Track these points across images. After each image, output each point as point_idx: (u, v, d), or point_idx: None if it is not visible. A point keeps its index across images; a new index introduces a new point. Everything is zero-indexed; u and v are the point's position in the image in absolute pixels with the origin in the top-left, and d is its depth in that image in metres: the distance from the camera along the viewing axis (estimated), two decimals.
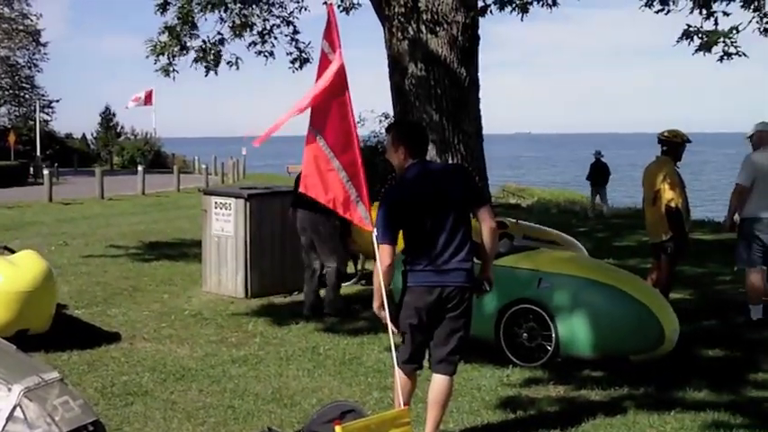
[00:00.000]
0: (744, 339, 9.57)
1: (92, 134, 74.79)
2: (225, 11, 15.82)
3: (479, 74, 13.16)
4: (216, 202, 12.23)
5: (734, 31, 11.18)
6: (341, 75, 6.04)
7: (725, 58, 11.53)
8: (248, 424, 6.89)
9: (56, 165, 47.48)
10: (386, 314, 6.00)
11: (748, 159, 10.38)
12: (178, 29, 15.27)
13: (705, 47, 11.38)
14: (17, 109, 66.76)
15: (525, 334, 8.59)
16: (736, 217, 10.52)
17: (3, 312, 8.81)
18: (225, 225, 12.08)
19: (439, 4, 12.41)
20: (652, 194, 10.45)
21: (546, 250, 10.04)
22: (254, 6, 16.38)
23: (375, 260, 5.98)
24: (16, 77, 65.51)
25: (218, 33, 16.04)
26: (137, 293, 12.36)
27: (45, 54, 66.25)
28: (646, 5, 13.01)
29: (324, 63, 6.18)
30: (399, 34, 12.74)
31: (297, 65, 17.39)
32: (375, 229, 5.93)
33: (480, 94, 13.23)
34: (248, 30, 16.50)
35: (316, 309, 10.98)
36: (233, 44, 16.32)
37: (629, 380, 7.90)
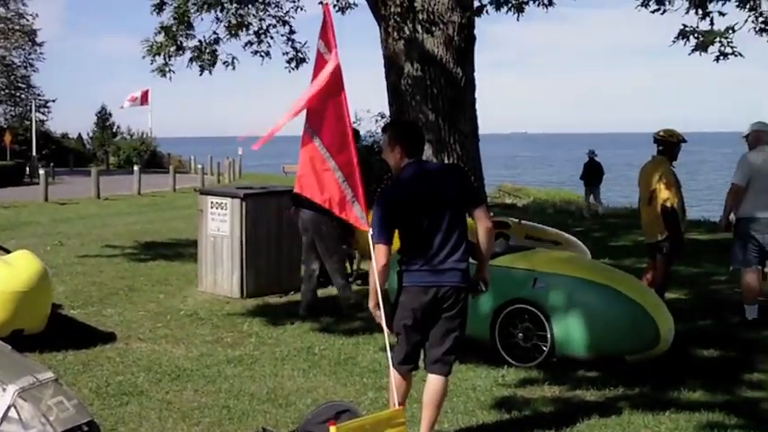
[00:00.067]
0: (739, 339, 9.58)
1: (88, 134, 74.79)
2: (221, 11, 15.82)
3: (475, 74, 13.18)
4: (212, 202, 12.22)
5: (730, 31, 11.19)
6: (337, 75, 6.04)
7: (721, 58, 11.54)
8: (243, 424, 6.89)
9: (52, 165, 47.46)
10: (381, 314, 6.00)
11: (744, 159, 10.39)
12: (174, 29, 15.26)
13: (701, 47, 11.39)
14: (13, 109, 66.78)
15: (520, 334, 8.59)
16: (732, 217, 10.53)
17: None
18: (221, 225, 12.07)
19: (435, 4, 12.43)
20: (648, 194, 10.46)
21: (541, 250, 10.04)
22: (249, 6, 16.37)
23: (371, 260, 5.98)
24: (12, 77, 65.49)
25: (214, 33, 16.04)
26: (132, 293, 12.35)
27: (41, 54, 66.41)
28: (642, 5, 13.02)
29: (320, 63, 6.18)
30: (395, 34, 12.75)
31: (293, 65, 17.40)
32: (371, 229, 5.93)
33: (476, 94, 13.25)
34: (244, 30, 16.50)
35: (312, 308, 10.98)
36: (229, 44, 16.33)
37: (624, 380, 7.90)
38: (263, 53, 17.23)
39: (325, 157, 6.11)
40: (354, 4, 17.59)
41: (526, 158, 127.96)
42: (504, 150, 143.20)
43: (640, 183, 10.69)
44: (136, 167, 37.75)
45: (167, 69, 15.50)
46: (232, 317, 10.79)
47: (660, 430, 6.74)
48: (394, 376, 6.06)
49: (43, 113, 67.91)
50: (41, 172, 32.01)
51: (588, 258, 12.45)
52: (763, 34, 13.13)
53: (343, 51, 6.18)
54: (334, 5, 17.44)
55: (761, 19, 12.88)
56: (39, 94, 67.16)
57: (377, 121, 26.73)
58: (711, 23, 11.87)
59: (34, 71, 66.86)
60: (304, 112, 6.15)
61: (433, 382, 6.05)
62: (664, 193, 10.26)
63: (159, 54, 15.26)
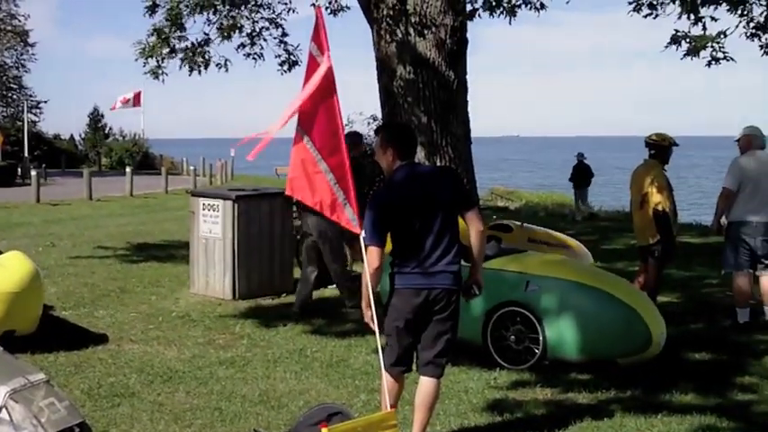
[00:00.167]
0: (730, 342, 9.60)
1: (80, 135, 74.55)
2: (214, 13, 15.83)
3: (467, 76, 13.19)
4: (204, 204, 12.21)
5: (721, 36, 11.23)
6: (329, 77, 6.04)
7: (713, 62, 11.58)
8: (235, 426, 6.89)
9: (43, 165, 47.36)
10: (371, 313, 5.99)
11: (735, 163, 10.42)
12: (166, 30, 15.26)
13: (693, 52, 11.43)
14: (5, 110, 66.67)
15: (513, 337, 8.60)
16: (723, 220, 10.56)
17: None
18: (213, 227, 12.06)
19: (427, 7, 12.44)
20: (640, 198, 10.47)
21: (533, 253, 10.05)
22: (242, 8, 16.38)
23: (363, 262, 5.98)
24: (4, 78, 65.38)
25: (205, 34, 16.05)
26: (124, 295, 12.33)
27: (33, 55, 66.28)
28: (634, 10, 13.06)
29: (312, 65, 6.17)
30: (388, 37, 12.76)
31: (285, 67, 17.42)
32: (363, 231, 5.93)
33: (468, 97, 13.27)
34: (237, 31, 16.51)
35: (305, 307, 10.99)
36: (222, 46, 16.34)
37: (616, 383, 7.91)
38: (255, 55, 17.25)
39: (317, 159, 6.10)
40: (347, 6, 17.63)
41: (518, 161, 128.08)
42: (497, 153, 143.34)
43: (632, 186, 10.70)
44: (128, 169, 37.70)
45: (160, 72, 15.50)
46: (224, 319, 10.78)
47: None
48: (386, 378, 6.06)
49: (35, 114, 67.85)
50: (33, 173, 31.94)
51: (589, 261, 12.51)
52: (755, 39, 13.17)
53: (336, 54, 6.18)
54: (327, 8, 17.48)
55: (752, 24, 12.92)
56: (31, 95, 67.10)
57: (369, 123, 26.84)
58: (704, 29, 11.91)
59: (26, 72, 66.87)
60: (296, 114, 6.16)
61: (425, 384, 6.05)
62: (655, 197, 10.28)
63: (152, 56, 15.26)
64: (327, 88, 6.05)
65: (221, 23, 16.11)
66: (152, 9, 15.48)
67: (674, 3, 12.15)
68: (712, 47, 11.29)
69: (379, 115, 14.24)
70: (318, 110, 6.08)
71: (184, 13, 15.28)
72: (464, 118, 13.06)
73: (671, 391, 7.68)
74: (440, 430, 6.80)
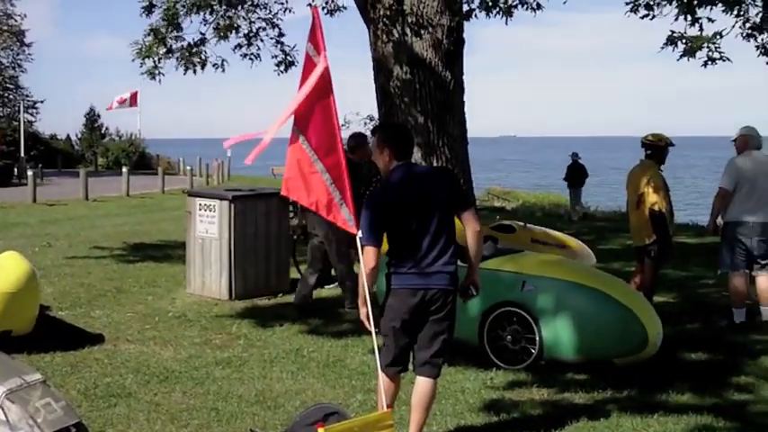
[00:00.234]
0: (727, 343, 9.61)
1: (76, 135, 74.53)
2: (210, 13, 15.82)
3: (464, 77, 13.19)
4: (200, 204, 12.20)
5: (717, 37, 11.24)
6: (325, 77, 6.04)
7: (709, 63, 11.59)
8: (232, 426, 6.89)
9: (40, 166, 47.29)
10: (367, 312, 5.99)
11: (732, 163, 10.43)
12: (163, 30, 15.26)
13: (689, 52, 11.44)
14: (1, 110, 66.63)
15: (509, 337, 8.60)
16: (720, 221, 10.56)
17: None
18: (209, 227, 12.06)
19: (424, 8, 12.44)
20: (636, 198, 10.49)
21: (529, 253, 10.05)
22: (238, 8, 16.38)
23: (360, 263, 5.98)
24: (0, 78, 65.26)
25: (201, 34, 16.04)
26: (120, 295, 12.32)
27: (29, 54, 66.16)
28: (631, 11, 13.06)
29: (308, 66, 6.17)
30: (384, 37, 12.76)
31: (282, 68, 17.41)
32: (359, 232, 5.93)
33: (465, 97, 13.27)
34: (234, 32, 16.51)
35: (305, 303, 11.07)
36: (218, 46, 16.34)
37: (612, 383, 7.92)
38: (252, 56, 17.24)
39: (313, 159, 6.10)
40: (343, 6, 17.64)
41: (515, 162, 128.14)
42: (493, 153, 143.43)
43: (629, 186, 10.72)
44: (124, 169, 37.66)
45: (157, 72, 15.49)
46: (220, 319, 10.78)
47: None
48: (382, 379, 6.06)
49: (32, 114, 67.71)
50: (30, 173, 31.90)
51: (592, 262, 12.52)
52: (751, 39, 13.19)
53: (332, 54, 6.18)
54: (323, 8, 17.48)
55: (748, 24, 12.93)
56: (27, 95, 66.98)
57: (366, 123, 26.76)
58: (701, 29, 11.92)
59: (22, 72, 66.76)
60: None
61: (422, 384, 6.05)
62: (652, 197, 10.29)
63: (149, 57, 15.25)
64: (324, 88, 6.04)
65: (218, 23, 16.11)
66: (149, 9, 15.47)
67: (670, 4, 12.16)
68: (708, 47, 11.30)
69: (376, 115, 14.24)
70: (315, 110, 6.08)
71: (181, 12, 15.27)
72: (461, 118, 13.06)
73: (667, 391, 7.69)
74: (436, 430, 6.80)
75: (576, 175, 28.31)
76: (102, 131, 73.24)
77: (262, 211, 12.21)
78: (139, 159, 64.90)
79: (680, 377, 8.13)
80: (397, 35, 12.61)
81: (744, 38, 13.17)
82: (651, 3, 12.76)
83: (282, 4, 17.42)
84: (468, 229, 6.01)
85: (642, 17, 12.88)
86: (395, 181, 6.01)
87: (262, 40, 17.24)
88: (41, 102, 69.38)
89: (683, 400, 7.54)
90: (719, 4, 11.89)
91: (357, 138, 11.29)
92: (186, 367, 8.57)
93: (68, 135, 74.94)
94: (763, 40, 13.19)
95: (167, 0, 15.17)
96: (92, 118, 73.64)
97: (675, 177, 42.02)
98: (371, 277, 5.91)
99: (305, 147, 6.10)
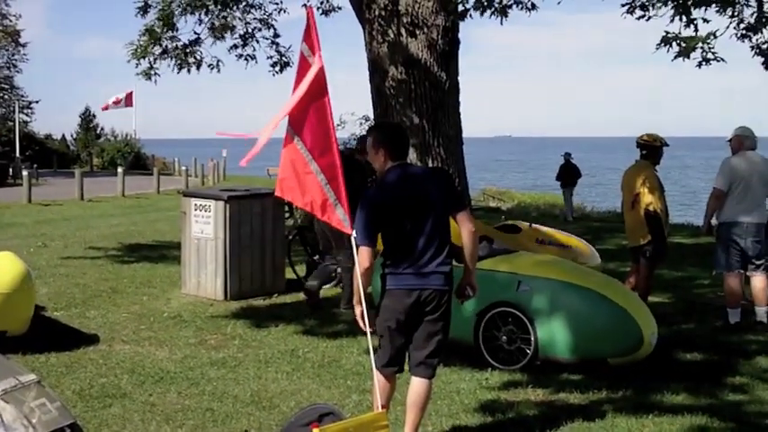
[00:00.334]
0: (722, 343, 9.61)
1: (71, 135, 74.41)
2: (205, 13, 15.83)
3: (459, 77, 13.21)
4: (195, 204, 12.19)
5: (711, 37, 11.24)
6: (320, 77, 6.04)
7: (703, 63, 11.59)
8: (227, 426, 6.88)
9: (35, 166, 47.25)
10: (362, 311, 5.99)
11: (726, 163, 10.44)
12: (158, 30, 15.26)
13: (684, 53, 11.42)
14: None
15: (504, 337, 8.61)
16: (714, 221, 10.58)
17: None
18: (204, 227, 12.05)
19: (419, 8, 12.46)
20: (631, 198, 10.49)
21: (524, 253, 10.06)
22: (233, 8, 16.39)
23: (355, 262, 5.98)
24: None
25: (195, 33, 16.05)
26: (116, 295, 12.31)
27: (24, 55, 66.06)
28: (627, 12, 13.06)
29: (303, 66, 6.17)
30: (380, 37, 12.78)
31: (277, 68, 17.43)
32: (354, 232, 5.94)
33: (460, 98, 13.28)
34: (229, 32, 16.52)
35: (316, 292, 11.29)
36: (214, 47, 16.36)
37: (607, 383, 7.92)
38: (248, 57, 17.26)
39: (308, 159, 6.09)
40: (338, 7, 17.66)
41: (511, 162, 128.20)
42: (489, 153, 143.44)
43: (624, 187, 10.73)
44: (120, 169, 37.64)
45: (152, 72, 15.50)
46: (216, 319, 10.77)
47: None
48: (378, 379, 6.07)
49: (27, 114, 67.73)
50: (25, 173, 31.86)
51: (597, 262, 12.54)
52: (745, 40, 13.18)
53: (327, 54, 6.18)
54: (318, 8, 17.51)
55: (742, 25, 12.93)
56: (22, 95, 66.94)
57: (361, 124, 26.83)
58: (696, 30, 11.91)
59: (18, 72, 66.71)
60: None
61: (417, 384, 6.06)
62: (647, 198, 10.30)
63: (144, 57, 15.25)
64: (319, 88, 6.04)
65: (212, 23, 16.11)
66: (144, 10, 15.48)
67: (665, 5, 12.16)
68: (702, 48, 11.29)
69: (371, 115, 14.25)
70: (309, 110, 6.08)
71: (176, 12, 15.27)
72: (456, 118, 13.09)
73: (662, 392, 7.70)
74: (431, 431, 6.80)
75: (568, 174, 28.35)
76: (98, 131, 73.14)
77: (257, 211, 12.20)
78: (135, 159, 64.78)
79: (675, 377, 8.14)
80: (392, 35, 12.64)
81: (738, 38, 13.16)
82: (647, 3, 12.76)
83: (277, 4, 17.45)
84: (464, 229, 6.00)
85: (638, 18, 12.88)
86: (390, 181, 6.01)
87: (257, 41, 17.25)
88: (36, 102, 69.47)
89: (678, 400, 7.55)
90: (714, 5, 11.89)
91: (363, 141, 11.37)
92: (181, 368, 8.57)
93: (63, 135, 74.92)
94: (757, 40, 13.18)
95: (162, 0, 15.17)
96: (87, 118, 73.54)
97: (670, 178, 42.04)
98: (366, 277, 5.91)
99: (299, 147, 6.10)
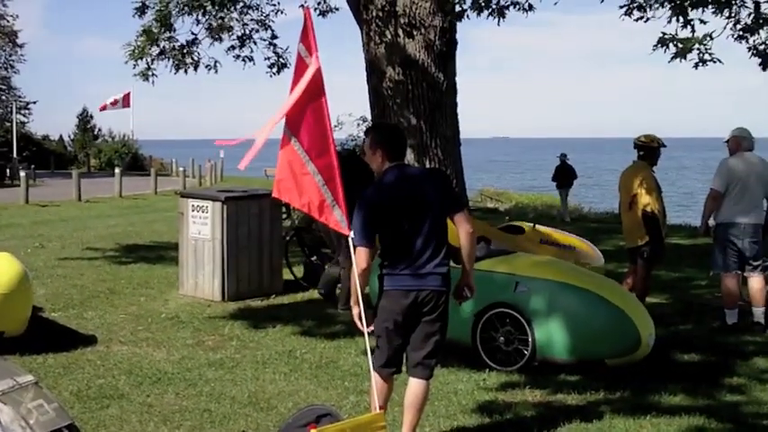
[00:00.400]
0: (719, 344, 9.62)
1: (69, 136, 74.37)
2: (203, 14, 15.83)
3: (457, 78, 13.21)
4: (193, 205, 12.18)
5: (708, 38, 11.24)
6: (317, 78, 6.04)
7: (700, 64, 11.60)
8: (224, 427, 6.88)
9: (32, 166, 47.23)
10: (360, 311, 5.99)
11: (724, 164, 10.44)
12: (155, 30, 15.26)
13: (680, 54, 11.43)
14: None
15: (502, 338, 8.61)
16: (711, 222, 10.58)
17: None
18: (202, 228, 12.04)
19: (416, 9, 12.46)
20: (629, 199, 10.50)
21: (522, 254, 10.06)
22: (231, 9, 16.39)
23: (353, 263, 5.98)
24: None
25: (192, 34, 16.05)
26: (113, 296, 12.30)
27: (22, 55, 66.02)
28: (625, 14, 13.07)
29: (300, 67, 6.17)
30: (377, 38, 12.78)
31: (275, 70, 17.43)
32: (351, 232, 5.94)
33: (458, 99, 13.28)
34: (227, 33, 16.53)
35: (330, 291, 11.54)
36: (212, 48, 16.36)
37: (605, 384, 7.93)
38: (245, 58, 17.26)
39: (305, 160, 6.09)
40: (336, 7, 17.66)
41: (508, 163, 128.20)
42: (486, 154, 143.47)
43: (621, 188, 10.74)
44: (117, 170, 37.59)
45: (150, 73, 15.49)
46: (213, 320, 10.76)
47: None
48: (375, 380, 6.06)
49: (24, 115, 67.68)
50: (22, 174, 31.85)
51: (601, 263, 12.54)
52: (742, 41, 13.20)
53: (324, 55, 6.18)
54: (315, 9, 17.51)
55: (739, 26, 12.94)
56: (19, 96, 66.93)
57: (358, 124, 26.82)
58: (693, 31, 11.92)
59: (15, 72, 66.63)
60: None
61: (415, 385, 6.06)
62: (644, 198, 10.31)
63: (141, 58, 15.25)
64: (316, 89, 6.04)
65: (210, 24, 16.12)
66: (141, 10, 15.48)
67: (662, 7, 12.16)
68: (699, 49, 11.30)
69: (369, 116, 14.25)
70: (306, 111, 6.07)
71: (173, 13, 15.27)
72: (453, 119, 13.09)
73: (660, 393, 7.70)
74: None
75: (564, 175, 28.37)
76: (95, 132, 73.08)
77: (254, 212, 12.20)
78: (132, 160, 64.74)
79: (672, 378, 8.14)
80: (389, 36, 12.63)
81: (735, 39, 13.18)
82: (644, 5, 12.77)
83: (275, 5, 17.46)
84: (462, 230, 6.00)
85: (636, 20, 12.90)
86: (387, 182, 6.01)
87: (255, 42, 17.26)
88: (34, 102, 69.54)
89: (675, 401, 7.55)
90: (710, 6, 11.90)
91: None
92: (179, 368, 8.56)
93: (61, 136, 74.91)
94: (754, 41, 13.20)
95: (160, 1, 15.17)
96: (84, 119, 73.48)
97: (667, 178, 42.05)
98: (363, 277, 5.91)
99: (296, 148, 6.09)
